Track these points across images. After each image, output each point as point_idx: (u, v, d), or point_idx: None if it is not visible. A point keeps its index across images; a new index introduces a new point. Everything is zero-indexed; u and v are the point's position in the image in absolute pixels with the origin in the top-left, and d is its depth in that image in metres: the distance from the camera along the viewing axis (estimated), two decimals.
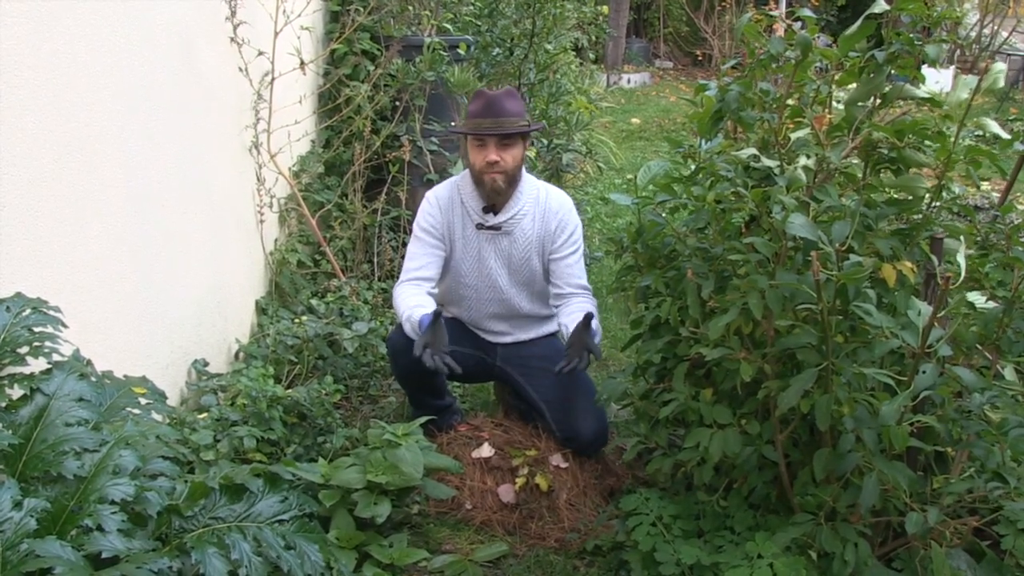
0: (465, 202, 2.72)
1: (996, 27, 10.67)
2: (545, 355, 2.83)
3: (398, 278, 2.78)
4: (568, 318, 2.65)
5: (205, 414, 2.57)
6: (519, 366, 2.85)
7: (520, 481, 2.56)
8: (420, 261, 2.72)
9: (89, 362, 1.94)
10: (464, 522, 2.51)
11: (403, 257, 2.81)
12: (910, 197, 2.04)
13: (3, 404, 1.65)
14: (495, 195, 2.66)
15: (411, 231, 2.77)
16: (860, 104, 2.02)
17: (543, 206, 2.73)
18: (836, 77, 2.08)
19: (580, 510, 2.55)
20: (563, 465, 2.63)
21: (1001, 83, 1.97)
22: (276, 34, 3.35)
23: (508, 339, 2.88)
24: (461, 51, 4.20)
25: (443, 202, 2.73)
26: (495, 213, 2.70)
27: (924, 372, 1.77)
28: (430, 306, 2.59)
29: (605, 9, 5.83)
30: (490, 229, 2.71)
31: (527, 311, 2.85)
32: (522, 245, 2.73)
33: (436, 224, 2.72)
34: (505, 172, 2.61)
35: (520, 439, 2.74)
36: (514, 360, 2.86)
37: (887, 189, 2.08)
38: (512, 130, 2.59)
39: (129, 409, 1.86)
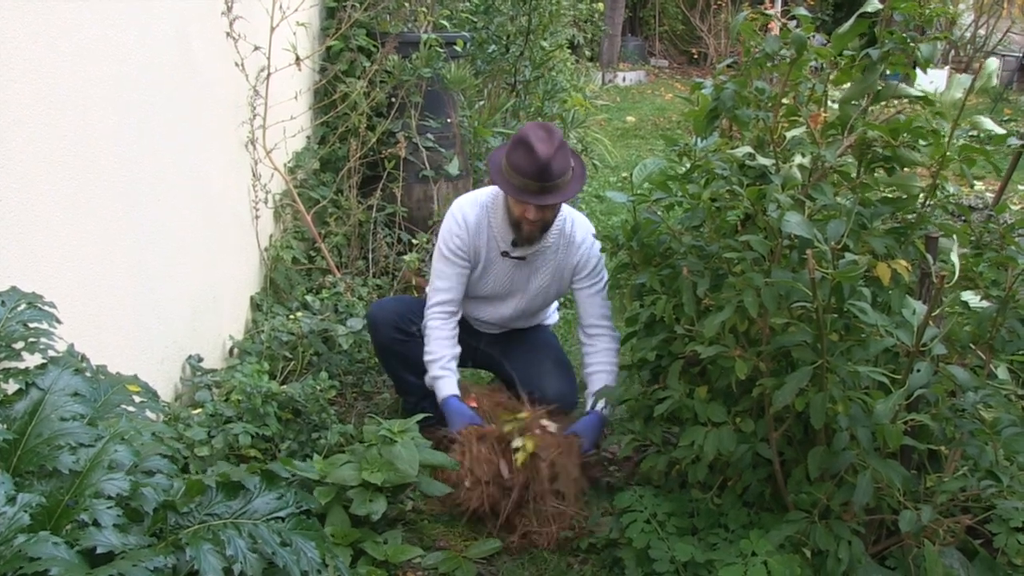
0: (493, 226, 2.73)
1: (991, 28, 10.70)
2: (528, 340, 2.96)
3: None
4: (591, 379, 2.74)
5: (199, 410, 2.57)
6: (502, 350, 2.95)
7: (521, 457, 2.47)
8: (449, 282, 2.76)
9: (84, 357, 1.94)
10: (461, 506, 2.46)
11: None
12: (905, 196, 2.05)
13: None
14: (527, 242, 2.69)
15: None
16: (854, 103, 2.03)
17: (568, 238, 2.75)
18: (831, 76, 2.08)
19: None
20: (552, 429, 2.57)
21: (995, 82, 1.97)
22: (272, 29, 3.34)
23: (496, 332, 2.99)
24: (458, 48, 4.21)
25: (471, 226, 2.73)
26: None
27: (918, 371, 1.77)
28: (452, 378, 2.69)
29: (601, 6, 5.83)
30: (515, 258, 2.75)
31: (520, 327, 2.97)
32: (542, 274, 2.79)
33: (464, 247, 2.74)
34: (544, 224, 2.64)
35: (507, 402, 2.72)
36: (497, 346, 2.97)
37: (882, 188, 2.09)
38: (562, 199, 2.56)
39: (123, 406, 1.85)
